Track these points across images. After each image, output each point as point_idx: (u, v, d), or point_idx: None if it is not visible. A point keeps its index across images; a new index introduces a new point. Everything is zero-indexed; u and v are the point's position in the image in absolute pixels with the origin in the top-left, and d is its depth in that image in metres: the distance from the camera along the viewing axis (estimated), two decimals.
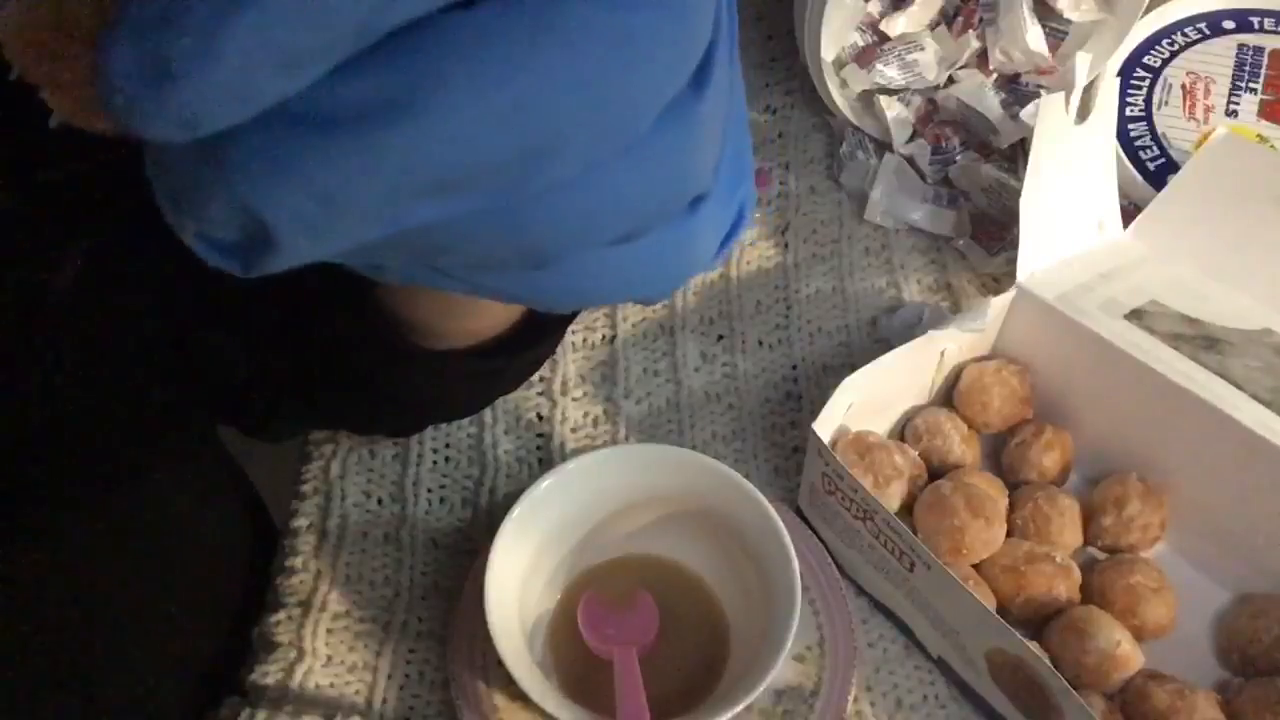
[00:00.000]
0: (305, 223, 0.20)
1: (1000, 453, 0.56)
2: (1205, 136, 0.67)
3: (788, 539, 0.47)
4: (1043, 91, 0.66)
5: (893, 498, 0.51)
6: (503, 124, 0.19)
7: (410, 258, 0.24)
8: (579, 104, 0.20)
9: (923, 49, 0.66)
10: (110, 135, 0.19)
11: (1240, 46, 0.72)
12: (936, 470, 0.54)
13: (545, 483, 0.49)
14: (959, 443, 0.54)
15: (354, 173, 0.19)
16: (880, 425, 0.56)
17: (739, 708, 0.43)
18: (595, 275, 0.25)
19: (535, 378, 0.61)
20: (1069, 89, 0.54)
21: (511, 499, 0.48)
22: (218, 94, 0.17)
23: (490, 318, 0.41)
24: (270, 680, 0.50)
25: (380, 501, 0.57)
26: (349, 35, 0.18)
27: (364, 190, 0.20)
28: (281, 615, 0.53)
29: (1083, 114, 0.55)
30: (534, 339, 0.43)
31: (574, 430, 0.59)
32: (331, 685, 0.51)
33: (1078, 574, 0.50)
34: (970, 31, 0.66)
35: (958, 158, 0.68)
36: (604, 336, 0.63)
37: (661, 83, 0.21)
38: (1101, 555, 0.53)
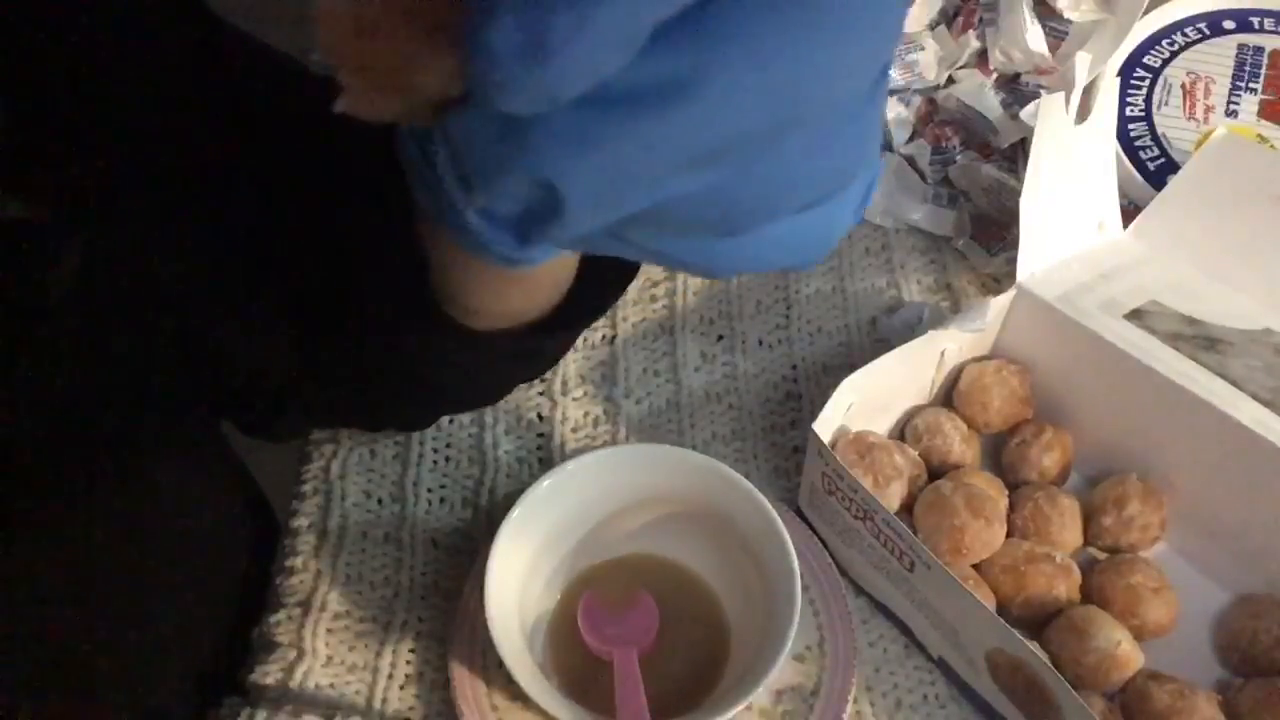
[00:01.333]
0: (595, 194, 0.21)
1: (1000, 453, 0.56)
2: (1205, 136, 0.67)
3: (788, 539, 0.47)
4: (1043, 91, 0.66)
5: (893, 498, 0.51)
6: (768, 99, 0.21)
7: (619, 225, 0.25)
8: (826, 80, 0.21)
9: (923, 49, 0.66)
10: (388, 122, 0.21)
11: (1240, 46, 0.72)
12: (936, 470, 0.54)
13: (545, 483, 0.49)
14: (959, 443, 0.54)
15: (648, 147, 0.21)
16: (880, 425, 0.56)
17: (739, 708, 0.43)
18: (771, 243, 0.26)
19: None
20: (1069, 89, 0.54)
21: (511, 499, 0.48)
22: (583, 69, 0.19)
23: (540, 299, 0.41)
24: (270, 680, 0.50)
25: (380, 501, 0.57)
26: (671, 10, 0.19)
27: (651, 163, 0.21)
28: (281, 615, 0.53)
29: (1083, 114, 0.55)
30: (574, 320, 0.43)
31: (574, 430, 0.59)
32: (331, 685, 0.51)
33: (1078, 574, 0.50)
34: (970, 31, 0.66)
35: (958, 158, 0.68)
36: (604, 336, 0.63)
37: (881, 63, 0.23)
38: (1101, 555, 0.53)
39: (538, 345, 0.44)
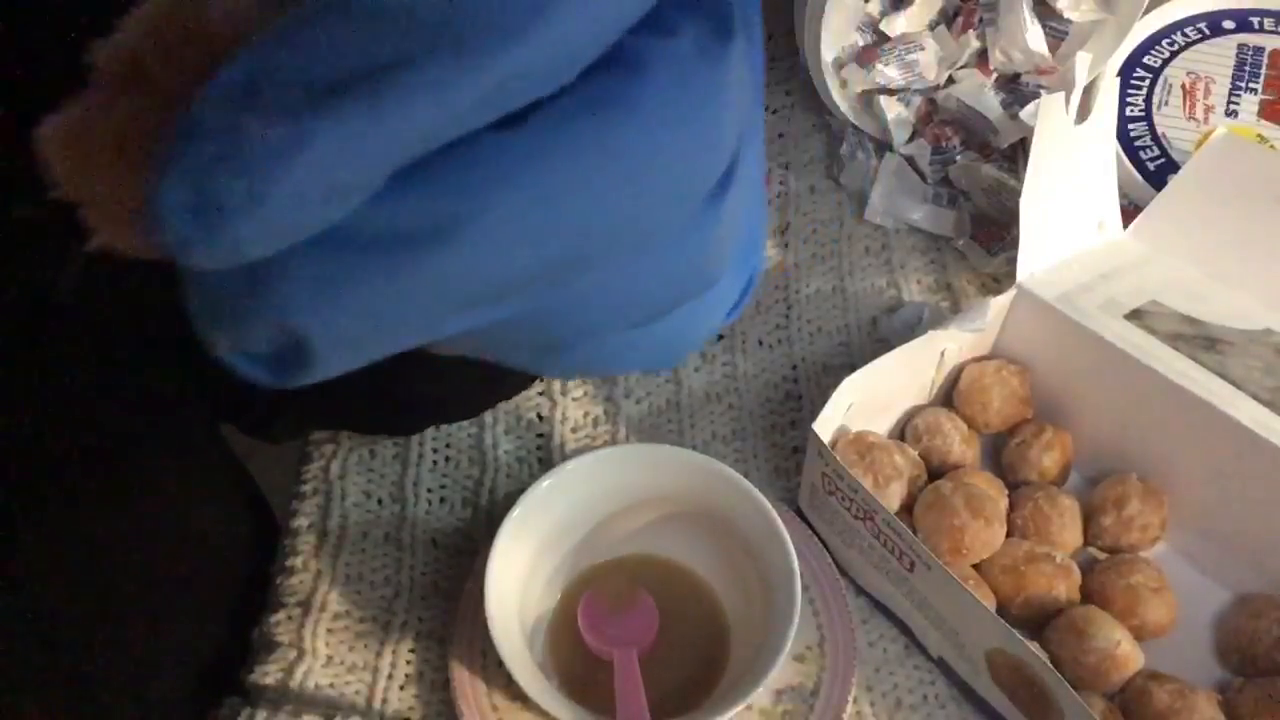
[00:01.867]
0: (345, 339, 0.20)
1: (1000, 453, 0.56)
2: (1205, 136, 0.67)
3: (788, 539, 0.47)
4: (1043, 91, 0.66)
5: (893, 498, 0.51)
6: (540, 243, 0.20)
7: (446, 344, 0.24)
8: (614, 220, 0.20)
9: (923, 49, 0.66)
10: (147, 256, 0.19)
11: (1240, 46, 0.72)
12: (936, 470, 0.54)
13: (545, 483, 0.49)
14: (959, 443, 0.54)
15: (398, 294, 0.20)
16: (880, 425, 0.56)
17: (739, 708, 0.43)
18: (610, 355, 0.25)
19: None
20: (1069, 89, 0.54)
21: (511, 499, 0.48)
22: (266, 229, 0.18)
23: None
24: (270, 680, 0.50)
25: (380, 501, 0.57)
26: (395, 165, 0.18)
27: (406, 309, 0.20)
28: (281, 615, 0.53)
29: (1083, 114, 0.55)
30: None
31: (574, 430, 0.59)
32: (331, 685, 0.51)
33: (1078, 574, 0.50)
34: (970, 31, 0.66)
35: (958, 158, 0.68)
36: None
37: (692, 193, 0.22)
38: (1101, 555, 0.53)
39: (503, 370, 0.44)
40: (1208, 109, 0.69)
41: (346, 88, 0.17)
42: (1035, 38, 0.65)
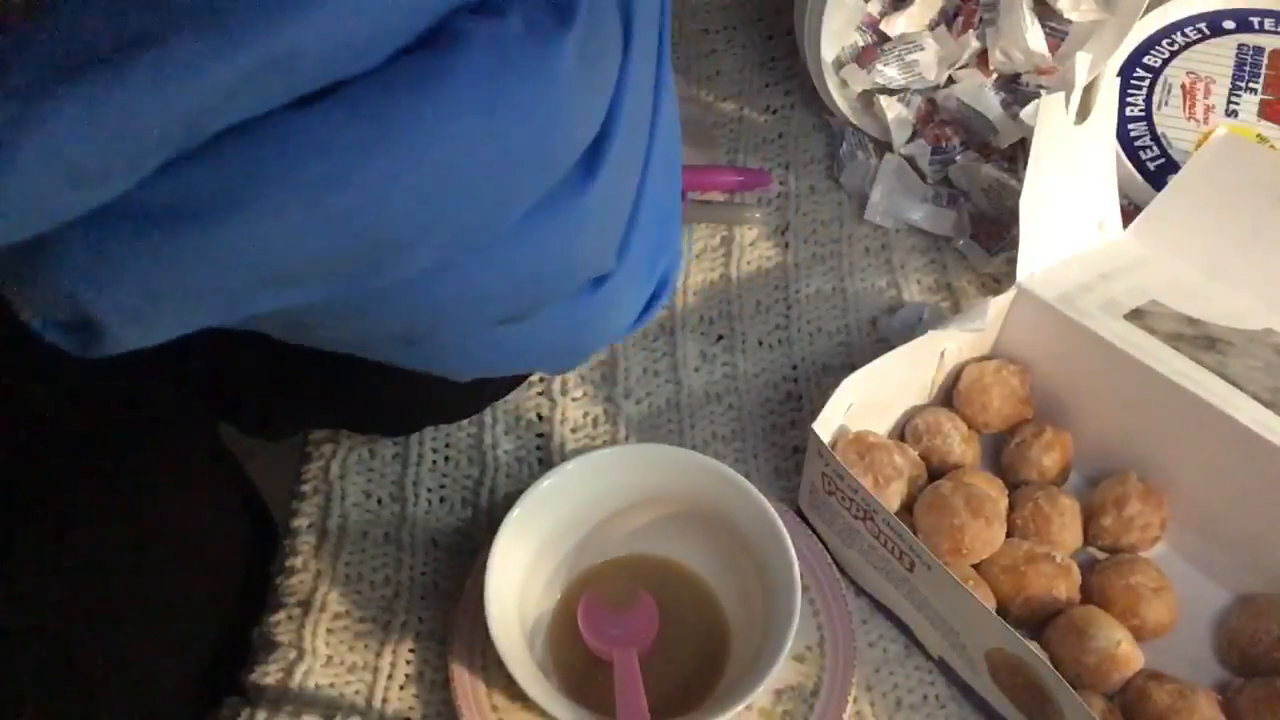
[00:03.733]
0: (130, 313, 0.20)
1: (1000, 453, 0.56)
2: (1205, 136, 0.67)
3: (788, 539, 0.47)
4: (1043, 91, 0.66)
5: (893, 498, 0.51)
6: (334, 226, 0.19)
7: (282, 332, 0.23)
8: (422, 208, 0.19)
9: (923, 49, 0.66)
10: None
11: (1240, 46, 0.72)
12: (936, 470, 0.54)
13: (545, 483, 0.49)
14: (959, 443, 0.54)
15: (175, 268, 0.19)
16: (880, 425, 0.56)
17: (739, 708, 0.43)
18: (483, 351, 0.25)
19: (535, 377, 0.61)
20: (1069, 89, 0.54)
21: (511, 499, 0.48)
22: (8, 213, 0.17)
23: None
24: (270, 680, 0.50)
25: (380, 501, 0.57)
26: (159, 147, 0.17)
27: (189, 284, 0.19)
28: (281, 615, 0.53)
29: (1083, 114, 0.55)
30: None
31: (574, 430, 0.59)
32: (331, 685, 0.51)
33: (1078, 574, 0.50)
34: (970, 31, 0.66)
35: (958, 158, 0.68)
36: None
37: (522, 183, 0.21)
38: (1101, 555, 0.53)
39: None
40: (1208, 109, 0.69)
41: (88, 69, 0.16)
42: (1035, 38, 0.65)
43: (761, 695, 0.48)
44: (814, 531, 0.53)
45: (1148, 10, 0.68)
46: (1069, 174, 0.56)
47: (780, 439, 0.59)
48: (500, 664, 0.44)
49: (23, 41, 0.17)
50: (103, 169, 0.17)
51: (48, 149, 0.16)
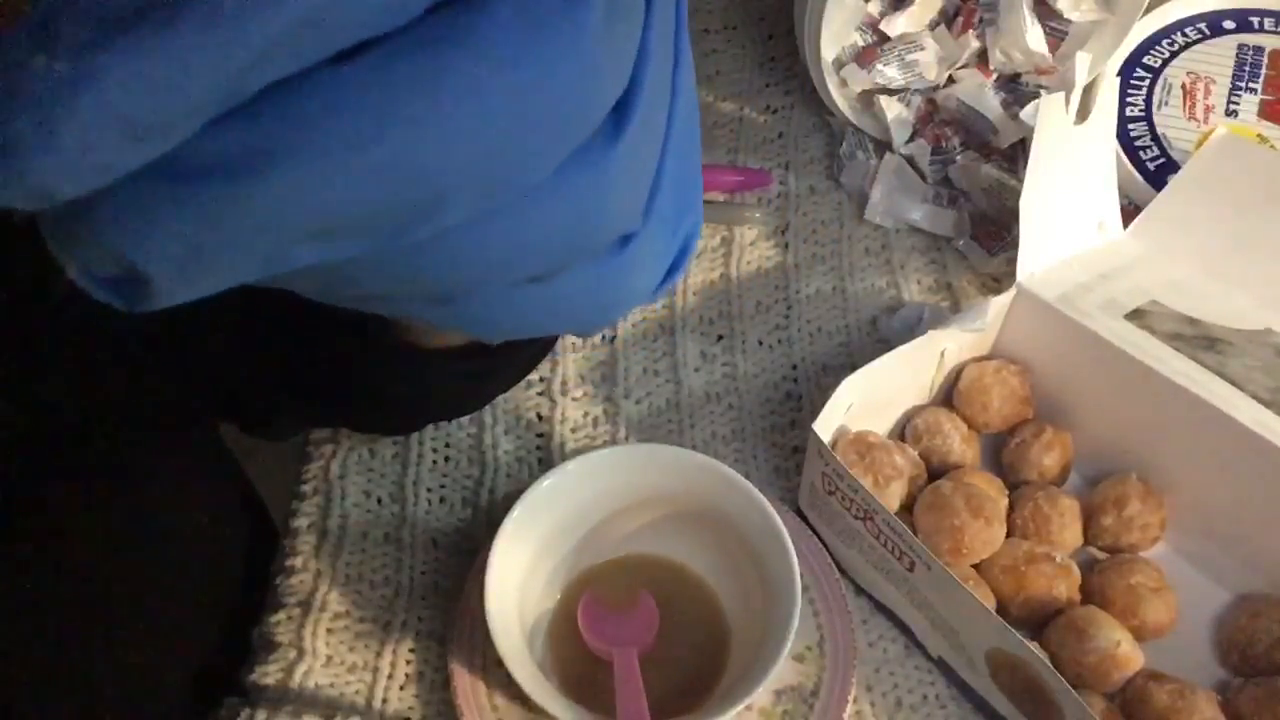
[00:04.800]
0: (176, 267, 0.20)
1: (1000, 453, 0.56)
2: (1205, 136, 0.67)
3: (788, 539, 0.47)
4: (1043, 91, 0.66)
5: (893, 498, 0.51)
6: (375, 178, 0.19)
7: (316, 288, 0.24)
8: (459, 160, 0.20)
9: (923, 49, 0.66)
10: None
11: (1240, 46, 0.72)
12: (936, 470, 0.54)
13: (545, 483, 0.49)
14: (959, 443, 0.54)
15: (219, 222, 0.19)
16: (880, 425, 0.56)
17: (739, 708, 0.43)
18: (511, 310, 0.25)
19: (535, 377, 0.61)
20: (1069, 89, 0.54)
21: (511, 499, 0.48)
22: (65, 168, 0.17)
23: None
24: (270, 680, 0.50)
25: (380, 501, 0.57)
26: (209, 101, 0.18)
27: (233, 238, 0.20)
28: (281, 615, 0.53)
29: (1083, 114, 0.55)
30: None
31: (574, 430, 0.59)
32: (331, 685, 0.51)
33: (1078, 574, 0.50)
34: (970, 31, 0.66)
35: (958, 158, 0.68)
36: (604, 336, 0.63)
37: (555, 137, 0.21)
38: (1101, 555, 0.53)
39: (496, 364, 0.43)
40: (1208, 109, 0.69)
41: (137, 21, 0.16)
42: (1035, 38, 0.65)
43: (761, 695, 0.48)
44: (814, 531, 0.53)
45: (1148, 10, 0.68)
46: (1069, 174, 0.56)
47: (780, 439, 0.59)
48: (500, 664, 0.44)
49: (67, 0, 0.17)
50: (156, 123, 0.17)
51: (102, 104, 0.17)
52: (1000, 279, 0.64)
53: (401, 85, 0.19)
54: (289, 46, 0.18)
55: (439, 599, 0.53)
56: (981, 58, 0.68)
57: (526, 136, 0.20)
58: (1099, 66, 0.66)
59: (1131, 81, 0.70)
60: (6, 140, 0.17)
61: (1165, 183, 0.60)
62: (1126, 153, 0.66)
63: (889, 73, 0.66)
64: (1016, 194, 0.55)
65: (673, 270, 0.27)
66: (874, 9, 0.67)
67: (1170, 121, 0.68)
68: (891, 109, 0.68)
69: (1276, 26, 0.73)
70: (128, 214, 0.19)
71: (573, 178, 0.22)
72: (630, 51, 0.22)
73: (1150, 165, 0.66)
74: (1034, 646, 0.43)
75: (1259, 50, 0.71)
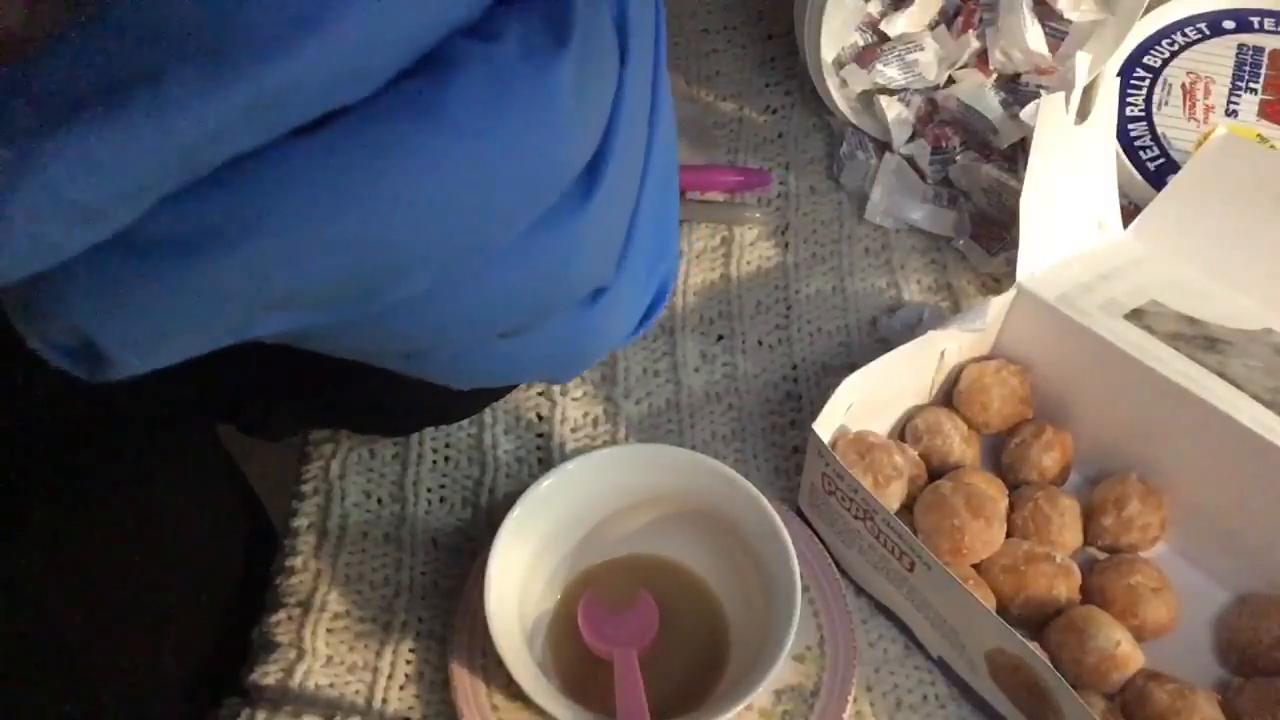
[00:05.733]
0: (133, 342, 0.20)
1: (1000, 453, 0.56)
2: (1205, 136, 0.67)
3: (788, 539, 0.47)
4: (1043, 91, 0.66)
5: (893, 498, 0.51)
6: (336, 252, 0.19)
7: (282, 343, 0.24)
8: (423, 230, 0.19)
9: (923, 49, 0.66)
10: None
11: (1240, 46, 0.72)
12: (936, 470, 0.54)
13: (545, 483, 0.49)
14: (959, 443, 0.54)
15: (179, 300, 0.19)
16: (880, 425, 0.56)
17: (739, 708, 0.43)
18: (481, 363, 0.25)
19: None
20: (1069, 89, 0.54)
21: (511, 499, 0.48)
22: (12, 252, 0.17)
23: None
24: (270, 680, 0.50)
25: (380, 501, 0.57)
26: (157, 181, 0.17)
27: (192, 314, 0.20)
28: (281, 615, 0.53)
29: (1083, 114, 0.55)
30: None
31: (574, 430, 0.59)
32: (331, 685, 0.51)
33: (1078, 574, 0.50)
34: (970, 31, 0.66)
35: (958, 158, 0.68)
36: None
37: (521, 202, 0.21)
38: (1101, 555, 0.53)
39: None
40: (1208, 109, 0.69)
41: (83, 106, 0.16)
42: (1035, 38, 0.65)
43: (761, 695, 0.48)
44: (814, 531, 0.53)
45: (1148, 10, 0.68)
46: (1069, 174, 0.56)
47: (780, 439, 0.59)
48: (500, 664, 0.44)
49: (19, 82, 0.17)
50: (103, 207, 0.17)
51: (47, 191, 0.16)
52: (1000, 279, 0.64)
53: (360, 159, 0.18)
54: (243, 126, 0.17)
55: (439, 599, 0.53)
56: (981, 58, 0.68)
57: (492, 204, 0.20)
58: (1099, 66, 0.67)
59: (1131, 81, 0.70)
60: None
61: (1165, 183, 0.60)
62: (1126, 153, 0.66)
63: (889, 73, 0.66)
64: (1016, 194, 0.55)
65: (648, 315, 0.27)
66: (874, 9, 0.67)
67: (1170, 121, 0.68)
68: (891, 109, 0.68)
69: (1276, 26, 0.73)
70: (84, 290, 0.19)
71: (542, 240, 0.22)
72: (603, 110, 0.22)
73: (1150, 165, 0.66)
74: (1034, 646, 0.43)
75: (1259, 50, 0.71)
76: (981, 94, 0.67)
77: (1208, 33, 0.73)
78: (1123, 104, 0.69)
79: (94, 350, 0.20)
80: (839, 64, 0.68)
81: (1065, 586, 0.49)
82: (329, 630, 0.52)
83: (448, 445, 0.59)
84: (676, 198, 0.28)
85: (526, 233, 0.21)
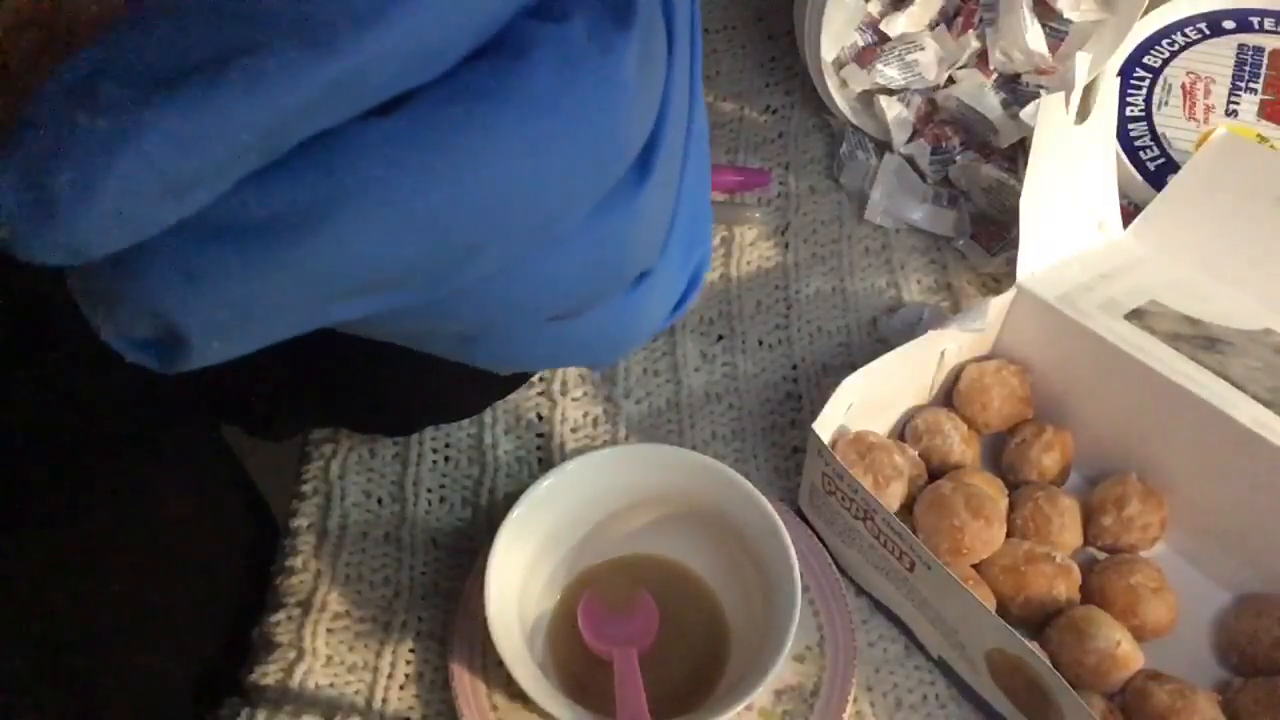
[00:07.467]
0: (218, 328, 0.20)
1: (1000, 453, 0.56)
2: (1205, 136, 0.67)
3: (788, 539, 0.47)
4: (1043, 91, 0.66)
5: (893, 498, 0.51)
6: (418, 232, 0.19)
7: (345, 331, 0.24)
8: (498, 210, 0.20)
9: (923, 49, 0.66)
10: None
11: (1240, 46, 0.72)
12: (936, 470, 0.54)
13: (545, 483, 0.49)
14: (959, 443, 0.54)
15: (265, 283, 0.19)
16: (880, 425, 0.56)
17: (739, 708, 0.43)
18: (532, 348, 0.25)
19: (535, 377, 0.61)
20: (1069, 89, 0.54)
21: (511, 499, 0.48)
22: (101, 224, 0.17)
23: None
24: (270, 680, 0.50)
25: (380, 501, 0.57)
26: (246, 157, 0.18)
27: (276, 298, 0.20)
28: (281, 615, 0.53)
29: (1083, 114, 0.55)
30: None
31: (574, 430, 0.59)
32: (331, 685, 0.51)
33: (1078, 574, 0.50)
34: (970, 31, 0.66)
35: (958, 158, 0.68)
36: None
37: (590, 183, 0.21)
38: (1101, 555, 0.53)
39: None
40: (1208, 109, 0.69)
41: (181, 80, 0.17)
42: (1035, 38, 0.65)
43: (761, 695, 0.48)
44: (814, 531, 0.53)
45: (1148, 10, 0.68)
46: (1069, 174, 0.56)
47: (780, 439, 0.59)
48: (500, 664, 0.44)
49: (111, 59, 0.17)
50: (193, 179, 0.17)
51: (142, 161, 0.17)
52: (1000, 279, 0.64)
53: (441, 139, 0.19)
54: (329, 103, 0.18)
55: (439, 599, 0.53)
56: (981, 58, 0.68)
57: (563, 184, 0.20)
58: (1099, 66, 0.67)
59: (1131, 81, 0.70)
60: (44, 197, 0.17)
61: (1165, 183, 0.60)
62: (1126, 153, 0.66)
63: (889, 73, 0.66)
64: (1016, 194, 0.55)
65: (682, 301, 0.27)
66: (874, 9, 0.67)
67: (1170, 121, 0.68)
68: (891, 109, 0.68)
69: (1276, 26, 0.73)
70: (168, 274, 0.19)
71: (602, 222, 0.22)
72: (656, 96, 0.22)
73: (1150, 165, 0.66)
74: (1034, 646, 0.43)
75: (1259, 50, 0.71)
76: (981, 94, 0.67)
77: (1208, 33, 0.73)
78: (1123, 104, 0.69)
79: (175, 336, 0.20)
80: (839, 64, 0.68)
81: (1065, 586, 0.49)
82: (329, 630, 0.52)
83: (448, 445, 0.59)
84: (710, 189, 0.28)
85: (589, 215, 0.22)
